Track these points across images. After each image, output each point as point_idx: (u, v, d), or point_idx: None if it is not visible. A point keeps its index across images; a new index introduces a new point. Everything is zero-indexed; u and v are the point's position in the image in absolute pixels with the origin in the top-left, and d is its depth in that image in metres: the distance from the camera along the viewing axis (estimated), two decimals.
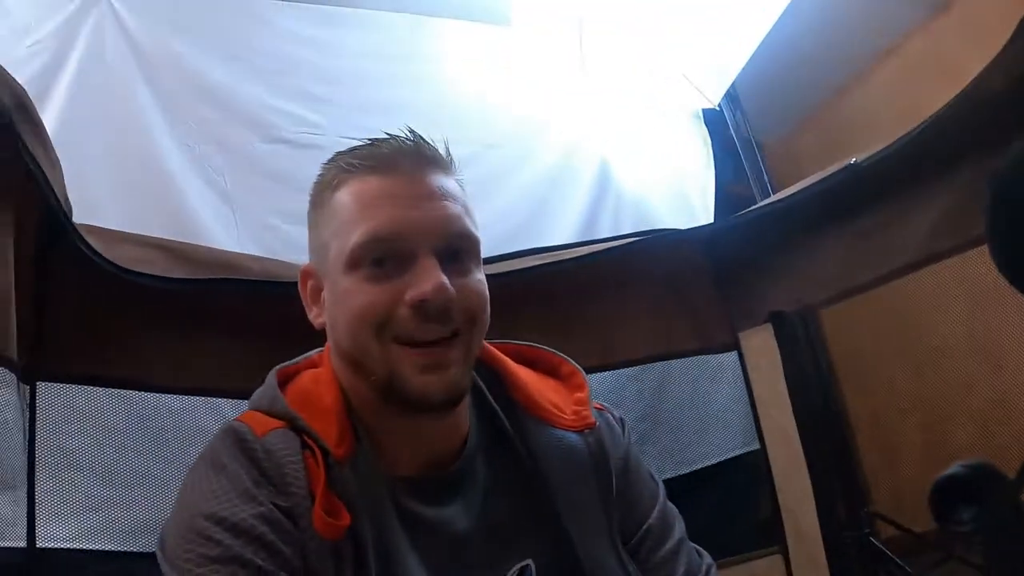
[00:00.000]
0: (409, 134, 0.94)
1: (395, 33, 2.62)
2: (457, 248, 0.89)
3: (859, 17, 2.26)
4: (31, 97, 1.29)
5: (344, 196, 0.91)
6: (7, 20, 2.15)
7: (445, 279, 0.85)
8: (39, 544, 1.32)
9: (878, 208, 1.76)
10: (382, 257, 0.86)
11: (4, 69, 1.17)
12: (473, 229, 0.93)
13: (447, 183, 0.92)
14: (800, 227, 1.92)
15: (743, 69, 2.37)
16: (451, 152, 0.96)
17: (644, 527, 1.02)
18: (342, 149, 0.97)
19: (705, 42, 2.29)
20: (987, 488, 1.28)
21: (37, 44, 2.15)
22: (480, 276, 0.92)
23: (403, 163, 0.90)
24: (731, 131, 2.67)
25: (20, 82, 1.26)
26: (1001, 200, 1.22)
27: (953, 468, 1.33)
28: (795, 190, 1.86)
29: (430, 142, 0.94)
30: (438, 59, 2.63)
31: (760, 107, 2.65)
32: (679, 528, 1.05)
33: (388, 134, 0.94)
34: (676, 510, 1.08)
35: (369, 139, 0.95)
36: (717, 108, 2.45)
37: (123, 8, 2.28)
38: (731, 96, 2.54)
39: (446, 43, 2.66)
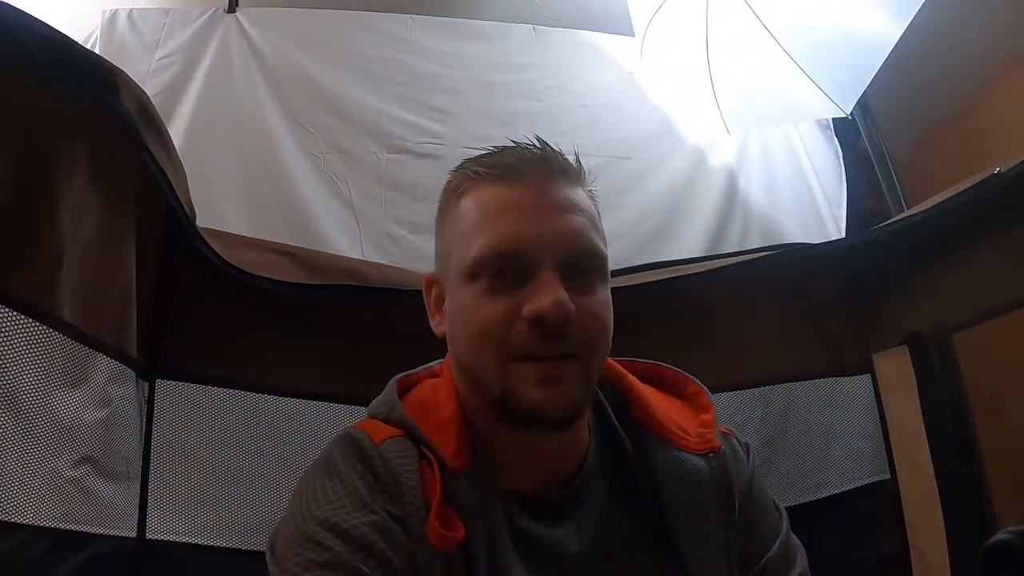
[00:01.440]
0: (537, 143, 0.91)
1: (516, 44, 2.64)
2: (581, 264, 0.86)
3: (991, 25, 2.12)
4: (159, 108, 1.33)
5: (468, 204, 0.89)
6: (137, 35, 2.28)
7: (565, 295, 0.81)
8: (148, 536, 1.35)
9: (1021, 222, 1.64)
10: (502, 270, 0.84)
11: (126, 74, 1.20)
12: (600, 244, 0.89)
13: (574, 194, 0.89)
14: (940, 242, 1.78)
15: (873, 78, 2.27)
16: (581, 162, 0.93)
17: (764, 559, 0.98)
18: (463, 159, 0.96)
19: (837, 50, 2.20)
20: None
21: (166, 58, 2.28)
22: (604, 296, 0.89)
23: (528, 172, 0.88)
24: (864, 142, 2.53)
25: (150, 94, 1.29)
26: None
27: (1002, 534, 1.28)
28: (935, 202, 1.73)
29: (558, 151, 0.91)
30: (561, 69, 2.62)
31: (891, 117, 2.53)
32: (801, 562, 1.00)
33: (515, 142, 0.92)
34: (798, 542, 1.03)
35: (496, 147, 0.93)
36: (849, 117, 2.34)
37: (249, 24, 2.39)
38: (863, 105, 2.42)
39: (568, 53, 2.65)
